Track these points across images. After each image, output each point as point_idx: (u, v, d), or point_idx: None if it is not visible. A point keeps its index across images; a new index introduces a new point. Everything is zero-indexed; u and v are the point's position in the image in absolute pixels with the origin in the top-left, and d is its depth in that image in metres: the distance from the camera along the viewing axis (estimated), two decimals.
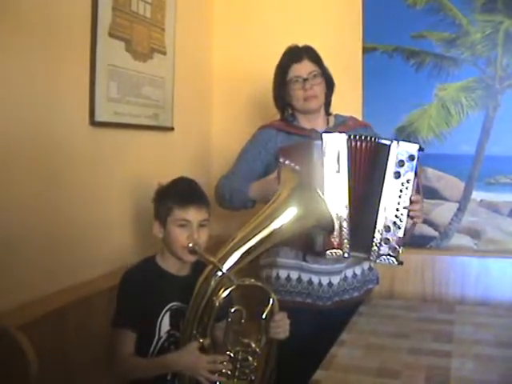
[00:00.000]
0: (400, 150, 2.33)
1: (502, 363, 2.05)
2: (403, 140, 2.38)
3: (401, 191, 2.33)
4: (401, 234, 2.35)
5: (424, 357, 2.11)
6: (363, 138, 2.38)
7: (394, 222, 2.34)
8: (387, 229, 2.34)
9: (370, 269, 2.67)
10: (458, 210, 3.18)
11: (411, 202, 2.34)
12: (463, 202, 3.17)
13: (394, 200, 2.34)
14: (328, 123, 2.66)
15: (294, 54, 2.58)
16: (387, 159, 2.33)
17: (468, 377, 1.94)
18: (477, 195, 3.16)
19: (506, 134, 3.10)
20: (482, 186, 3.14)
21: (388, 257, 2.36)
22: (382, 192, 2.34)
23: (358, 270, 2.61)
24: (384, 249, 2.35)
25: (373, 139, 2.39)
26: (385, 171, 2.33)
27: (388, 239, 2.35)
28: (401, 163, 2.32)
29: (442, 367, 2.00)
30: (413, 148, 2.33)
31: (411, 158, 2.32)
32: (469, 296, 3.03)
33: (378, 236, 2.35)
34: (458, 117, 3.16)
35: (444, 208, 3.18)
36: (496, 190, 3.12)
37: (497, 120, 3.11)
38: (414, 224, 2.41)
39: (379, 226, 2.35)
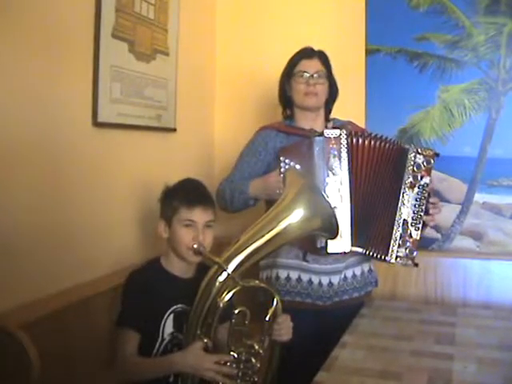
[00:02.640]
0: (418, 154, 2.38)
1: (504, 366, 2.05)
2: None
3: (418, 194, 2.37)
4: (418, 236, 2.38)
5: (426, 359, 2.11)
6: (365, 135, 2.43)
7: (412, 225, 2.36)
8: (405, 231, 2.37)
9: (370, 271, 2.67)
10: (461, 212, 3.18)
11: (428, 203, 2.39)
12: (466, 204, 3.17)
13: (413, 203, 2.38)
14: (327, 127, 2.65)
15: (307, 52, 2.62)
16: (406, 161, 2.37)
17: (470, 380, 1.94)
18: (479, 197, 3.16)
19: (508, 137, 3.09)
20: (485, 188, 3.14)
21: (405, 259, 2.38)
22: (400, 194, 2.38)
23: (357, 271, 2.62)
24: (402, 250, 2.38)
25: (391, 140, 2.44)
26: (403, 173, 2.37)
27: (406, 241, 2.37)
28: (419, 167, 2.36)
29: (444, 370, 2.01)
30: (430, 152, 2.38)
31: (428, 161, 2.37)
32: (471, 298, 3.02)
33: (396, 238, 2.38)
34: (461, 119, 3.16)
35: (446, 210, 3.16)
36: (498, 192, 3.12)
37: (499, 122, 3.11)
38: (426, 226, 2.44)
39: (398, 228, 2.38)
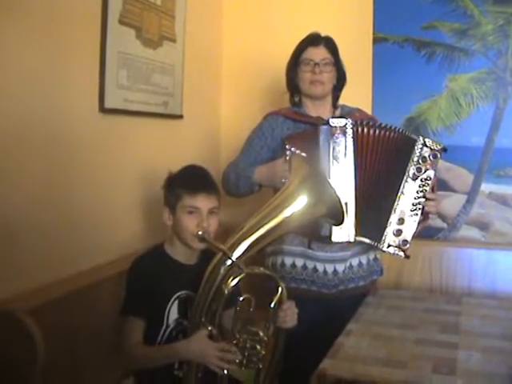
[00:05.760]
0: (425, 147, 2.37)
1: (508, 356, 2.04)
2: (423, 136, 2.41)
3: (419, 187, 2.36)
4: (413, 228, 2.38)
5: (431, 348, 2.11)
6: (370, 124, 2.41)
7: (409, 216, 2.36)
8: (401, 221, 2.37)
9: (376, 259, 2.67)
10: (467, 201, 3.18)
11: (427, 199, 2.37)
12: (472, 193, 3.17)
13: (412, 194, 2.37)
14: (334, 114, 2.66)
15: (313, 39, 2.60)
16: (411, 153, 2.37)
17: (475, 368, 1.94)
18: (486, 187, 3.16)
19: None
20: (491, 178, 3.14)
21: (397, 249, 2.37)
22: (401, 184, 2.37)
23: (363, 259, 2.61)
24: (395, 240, 2.37)
25: (398, 130, 2.42)
26: (407, 164, 2.37)
27: (400, 231, 2.37)
28: (424, 159, 2.36)
29: (449, 358, 2.01)
30: (438, 146, 2.37)
31: (435, 156, 2.36)
32: (476, 288, 3.03)
33: (391, 226, 2.37)
34: (468, 108, 3.15)
35: (452, 199, 3.17)
36: (505, 183, 3.12)
37: (507, 112, 3.10)
38: (426, 221, 2.43)
39: (394, 217, 2.37)
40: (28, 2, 2.01)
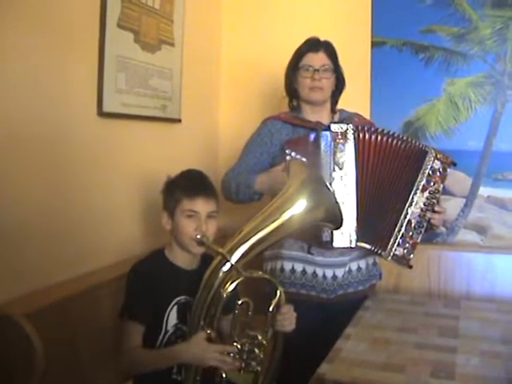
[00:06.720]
0: (437, 159, 2.39)
1: (507, 360, 2.04)
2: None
3: (427, 199, 2.38)
4: (418, 239, 2.39)
5: (429, 352, 2.10)
6: (372, 130, 2.41)
7: (415, 227, 2.37)
8: (407, 232, 2.38)
9: (374, 263, 2.67)
10: (465, 205, 3.18)
11: (434, 211, 2.40)
12: (470, 197, 3.17)
13: (420, 206, 2.38)
14: (333, 118, 2.66)
15: (313, 44, 2.59)
16: (423, 164, 2.39)
17: (473, 373, 1.94)
18: (484, 191, 3.15)
19: None
20: (490, 182, 3.14)
21: (401, 259, 2.39)
22: (410, 195, 2.38)
23: (362, 264, 2.61)
24: (400, 249, 2.39)
25: (407, 139, 2.43)
26: (417, 175, 2.39)
27: (406, 242, 2.38)
28: (434, 172, 2.38)
29: (448, 362, 2.00)
30: (448, 160, 2.40)
31: (444, 169, 2.39)
32: (474, 292, 3.03)
33: (397, 237, 2.39)
34: (467, 112, 3.15)
35: (451, 203, 3.17)
36: (503, 186, 3.12)
37: (505, 116, 3.10)
38: (430, 231, 2.45)
39: (400, 227, 2.39)
40: (27, 5, 2.01)
